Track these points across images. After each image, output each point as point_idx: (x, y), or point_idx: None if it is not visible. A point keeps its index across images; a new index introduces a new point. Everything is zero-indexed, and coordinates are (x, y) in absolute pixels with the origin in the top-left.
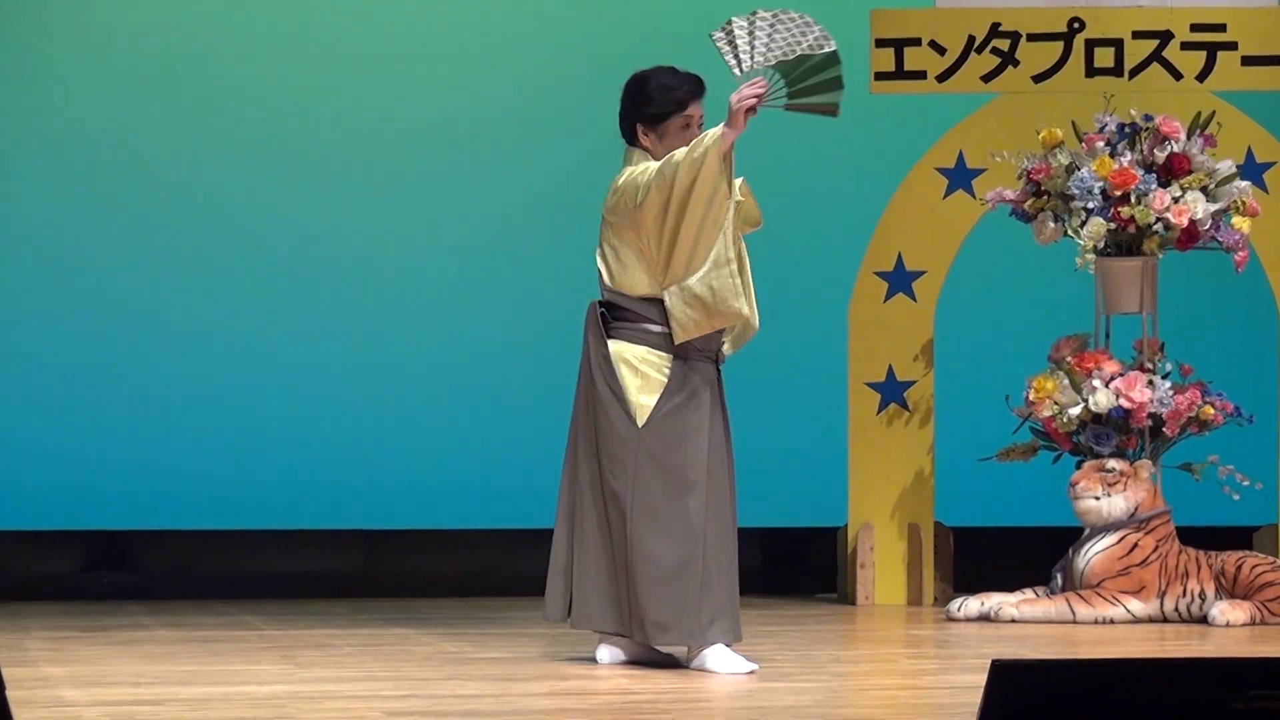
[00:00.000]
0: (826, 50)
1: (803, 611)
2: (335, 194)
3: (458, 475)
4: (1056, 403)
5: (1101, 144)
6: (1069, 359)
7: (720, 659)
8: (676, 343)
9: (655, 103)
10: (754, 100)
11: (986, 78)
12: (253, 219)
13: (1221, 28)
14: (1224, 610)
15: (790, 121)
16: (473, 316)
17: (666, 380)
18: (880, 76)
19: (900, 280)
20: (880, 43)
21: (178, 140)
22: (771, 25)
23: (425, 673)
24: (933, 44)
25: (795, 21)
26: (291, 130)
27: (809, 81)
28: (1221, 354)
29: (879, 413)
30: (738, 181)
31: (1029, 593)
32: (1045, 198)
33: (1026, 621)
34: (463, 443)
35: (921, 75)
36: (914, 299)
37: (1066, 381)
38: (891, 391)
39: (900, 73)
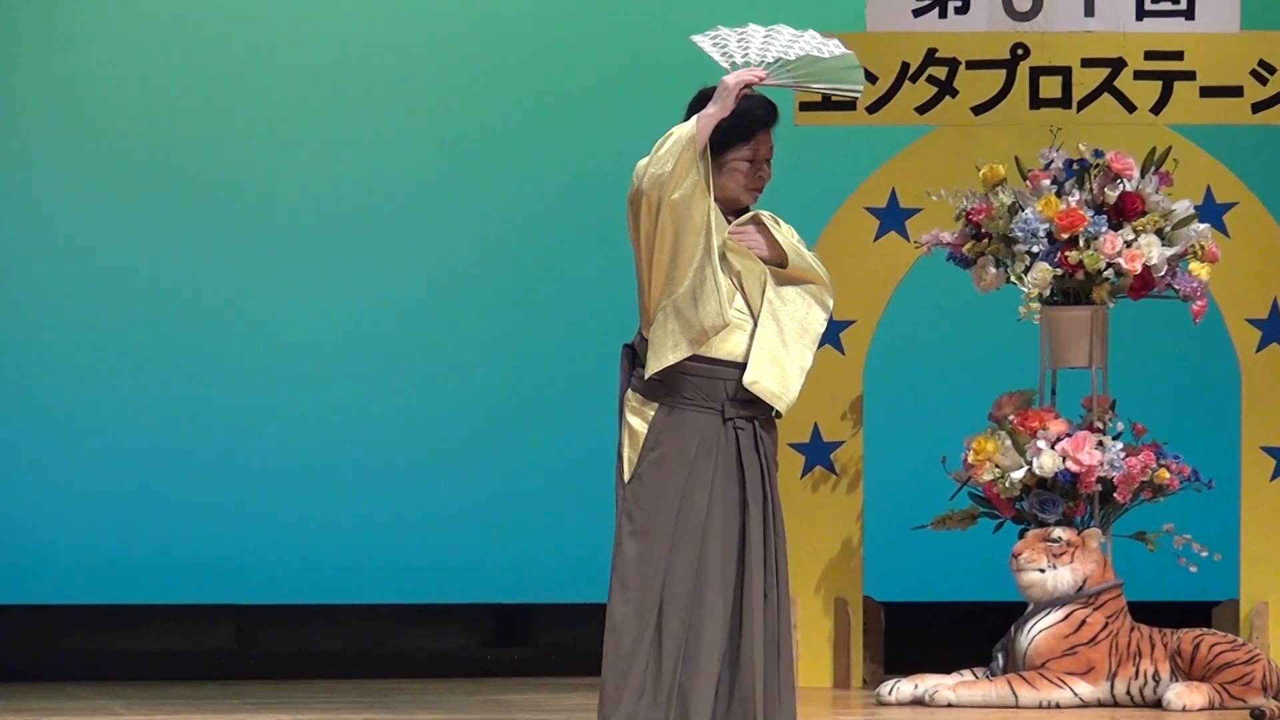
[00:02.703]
0: (836, 52)
1: None
2: (249, 258)
3: (340, 544)
4: (998, 466)
5: (1047, 182)
6: (1011, 418)
7: None
8: (648, 375)
9: (719, 129)
10: (754, 78)
11: (922, 109)
12: (159, 282)
13: (1179, 55)
14: (1180, 693)
15: None
16: (363, 373)
17: (645, 431)
18: (805, 107)
19: (826, 331)
20: None
21: (117, 187)
22: (766, 35)
23: None
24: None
25: (790, 32)
26: (225, 198)
27: (818, 67)
28: (1178, 413)
29: (803, 476)
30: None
31: (967, 674)
32: (986, 241)
33: (965, 706)
34: (345, 508)
35: (850, 106)
36: (841, 351)
37: (1009, 443)
38: (817, 453)
39: (827, 103)
